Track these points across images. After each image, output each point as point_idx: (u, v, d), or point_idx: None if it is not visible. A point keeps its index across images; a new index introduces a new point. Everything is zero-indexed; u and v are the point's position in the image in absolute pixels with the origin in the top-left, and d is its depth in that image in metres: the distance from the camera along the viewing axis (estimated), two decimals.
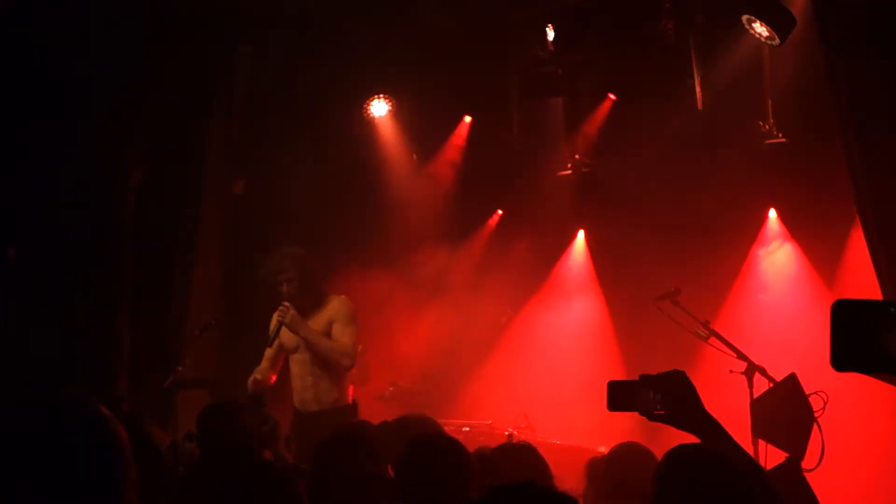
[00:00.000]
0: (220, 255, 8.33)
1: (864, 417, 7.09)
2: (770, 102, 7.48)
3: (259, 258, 6.24)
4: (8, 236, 7.19)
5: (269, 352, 6.17)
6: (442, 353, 8.16)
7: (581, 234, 8.90)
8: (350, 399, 6.11)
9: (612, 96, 8.42)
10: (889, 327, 1.30)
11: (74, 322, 7.37)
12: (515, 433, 6.90)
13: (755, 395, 5.54)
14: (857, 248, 6.67)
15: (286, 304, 5.93)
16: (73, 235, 7.43)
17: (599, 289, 8.21)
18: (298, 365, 6.11)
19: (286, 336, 6.08)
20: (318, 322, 6.06)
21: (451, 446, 3.31)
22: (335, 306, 6.07)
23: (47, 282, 7.24)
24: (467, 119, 9.02)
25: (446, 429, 6.92)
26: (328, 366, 6.02)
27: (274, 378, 6.18)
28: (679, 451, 2.68)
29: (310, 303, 6.08)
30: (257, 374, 5.96)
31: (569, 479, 6.10)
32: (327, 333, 6.01)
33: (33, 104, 7.10)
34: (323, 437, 3.82)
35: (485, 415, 7.49)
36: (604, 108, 8.52)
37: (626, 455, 3.91)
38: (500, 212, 9.15)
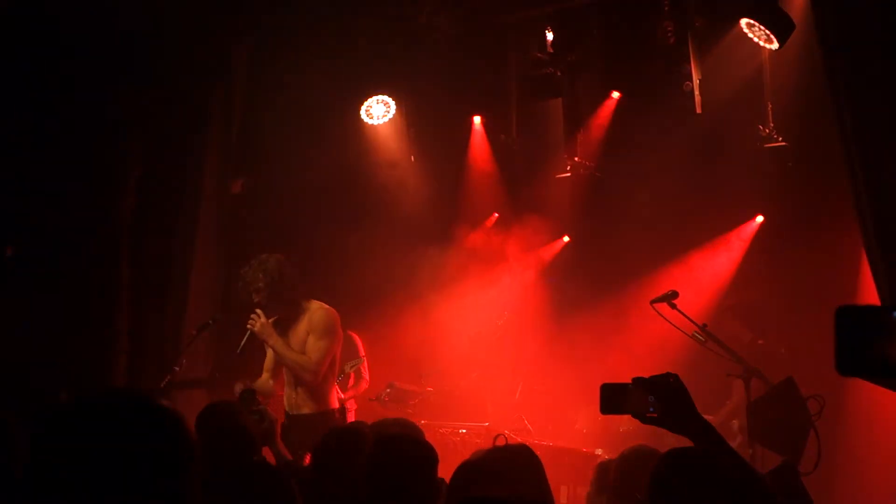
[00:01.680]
0: (219, 254, 8.32)
1: (862, 421, 7.08)
2: (770, 106, 7.47)
3: (239, 272, 6.24)
4: (6, 235, 7.18)
5: (267, 363, 6.22)
6: (439, 355, 8.16)
7: (565, 238, 8.94)
8: (336, 403, 6.12)
9: (614, 96, 8.40)
10: (891, 333, 1.31)
11: (72, 321, 7.36)
12: (510, 434, 6.89)
13: (752, 399, 5.52)
14: (853, 252, 6.66)
15: (257, 311, 6.01)
16: (71, 234, 7.42)
17: (596, 291, 8.20)
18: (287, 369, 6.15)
19: None
20: (298, 332, 6.08)
21: (414, 447, 3.36)
22: (315, 318, 6.06)
23: (45, 280, 7.24)
24: (477, 120, 9.01)
25: (442, 430, 6.99)
26: None
27: (275, 386, 6.23)
28: (674, 455, 2.68)
29: (289, 310, 6.11)
30: (255, 385, 6.02)
31: (566, 481, 6.12)
32: (304, 343, 6.03)
33: (31, 103, 7.10)
34: (321, 439, 3.83)
35: (482, 417, 7.48)
36: (603, 111, 8.52)
37: (636, 458, 3.89)
38: (496, 214, 9.14)
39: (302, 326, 6.07)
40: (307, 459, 4.35)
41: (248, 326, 5.99)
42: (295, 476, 3.21)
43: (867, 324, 1.32)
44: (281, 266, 6.07)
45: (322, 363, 5.96)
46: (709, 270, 7.97)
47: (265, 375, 6.25)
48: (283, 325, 6.10)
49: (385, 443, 3.35)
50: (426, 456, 3.30)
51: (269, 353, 6.22)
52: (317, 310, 6.09)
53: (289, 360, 5.99)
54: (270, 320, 6.05)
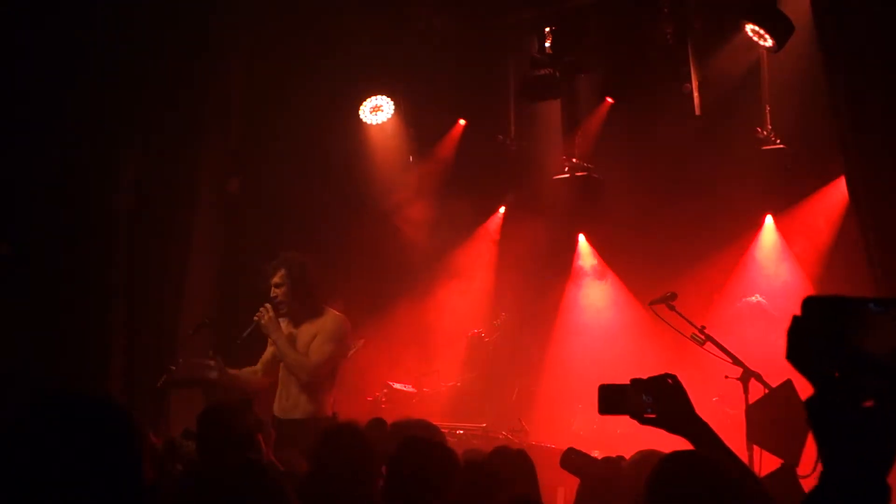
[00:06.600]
0: (215, 253, 8.31)
1: None
2: (768, 108, 7.45)
3: (261, 266, 6.20)
4: (1, 233, 7.16)
5: (264, 356, 6.17)
6: (436, 356, 8.14)
7: (581, 237, 8.87)
8: (330, 411, 6.04)
9: (609, 100, 8.38)
10: (866, 325, 1.25)
11: (68, 319, 7.35)
12: (507, 436, 6.87)
13: (750, 402, 5.51)
14: (850, 252, 6.65)
15: (267, 305, 5.97)
16: (68, 233, 7.41)
17: (593, 291, 8.19)
18: (285, 371, 6.10)
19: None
20: (305, 332, 6.03)
21: (443, 452, 3.32)
22: (326, 322, 6.03)
23: (41, 279, 7.22)
24: (462, 122, 8.99)
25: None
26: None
27: (264, 382, 6.17)
28: (673, 457, 2.66)
29: (303, 311, 6.06)
30: (241, 372, 6.02)
31: (562, 482, 6.09)
32: (308, 345, 5.99)
33: (29, 100, 7.09)
34: (318, 438, 3.80)
35: (479, 418, 7.46)
36: (601, 112, 8.48)
37: (649, 464, 3.85)
38: (502, 210, 9.08)
39: (312, 330, 6.01)
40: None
41: (256, 318, 5.96)
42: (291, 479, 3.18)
43: (840, 316, 1.26)
44: (304, 267, 6.06)
45: (321, 366, 5.91)
46: (707, 272, 7.95)
47: (257, 367, 6.19)
48: (294, 326, 6.06)
49: (415, 446, 3.32)
50: (455, 466, 3.28)
51: (269, 349, 6.18)
52: (331, 317, 6.05)
53: (289, 358, 5.94)
54: (282, 321, 6.02)
